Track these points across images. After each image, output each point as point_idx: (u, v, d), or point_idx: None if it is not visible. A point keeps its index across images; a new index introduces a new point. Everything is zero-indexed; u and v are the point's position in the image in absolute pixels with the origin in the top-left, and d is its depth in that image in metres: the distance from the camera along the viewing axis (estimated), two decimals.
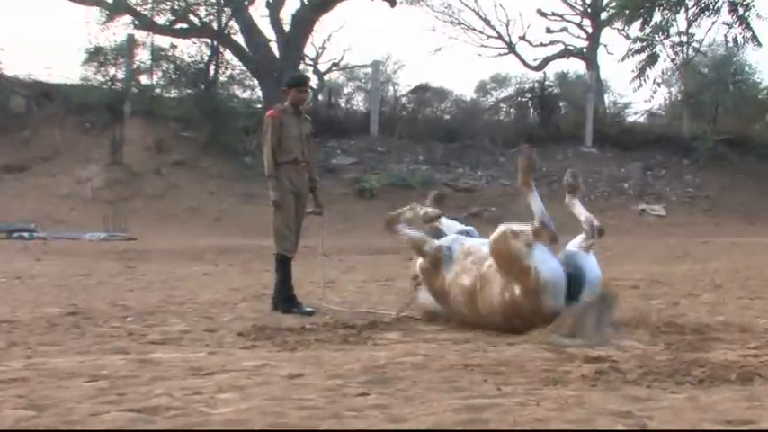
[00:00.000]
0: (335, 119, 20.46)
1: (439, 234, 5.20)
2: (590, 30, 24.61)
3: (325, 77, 22.53)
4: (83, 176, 17.50)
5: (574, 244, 4.65)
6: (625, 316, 4.76)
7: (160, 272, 8.70)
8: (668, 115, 24.71)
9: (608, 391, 3.05)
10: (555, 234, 4.41)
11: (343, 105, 22.36)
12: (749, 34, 19.98)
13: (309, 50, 21.67)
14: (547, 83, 22.63)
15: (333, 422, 2.60)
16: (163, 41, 19.73)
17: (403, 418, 2.64)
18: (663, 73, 21.99)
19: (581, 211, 4.72)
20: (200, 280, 8.00)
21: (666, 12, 20.31)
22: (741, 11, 19.71)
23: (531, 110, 22.53)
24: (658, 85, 21.80)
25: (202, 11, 19.63)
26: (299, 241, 5.84)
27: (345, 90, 23.06)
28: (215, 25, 19.64)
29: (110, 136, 18.20)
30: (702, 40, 21.53)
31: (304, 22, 19.99)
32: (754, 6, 19.67)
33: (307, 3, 20.02)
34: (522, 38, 24.83)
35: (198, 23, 19.67)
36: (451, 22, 24.80)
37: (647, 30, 20.53)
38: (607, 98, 24.12)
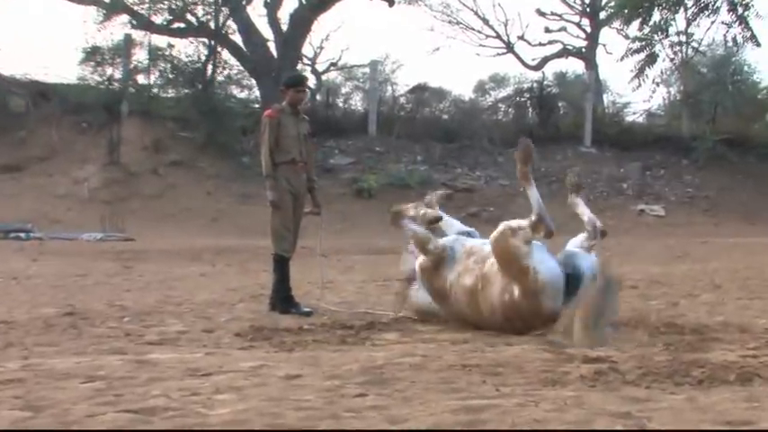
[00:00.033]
0: (333, 119, 20.45)
1: (440, 233, 5.19)
2: (589, 29, 24.62)
3: (324, 77, 22.53)
4: (80, 176, 17.48)
5: (574, 243, 4.64)
6: (624, 316, 4.76)
7: (157, 272, 8.68)
8: (667, 115, 24.73)
9: (607, 391, 3.05)
10: (551, 228, 4.41)
11: (341, 105, 22.37)
12: (748, 34, 19.99)
13: (307, 50, 21.69)
14: (545, 83, 22.65)
15: (331, 423, 2.59)
16: (160, 41, 19.75)
17: (401, 418, 2.64)
18: (662, 73, 22.01)
19: (584, 211, 4.71)
20: (197, 280, 7.99)
21: (665, 11, 20.31)
22: (740, 10, 19.72)
23: (530, 110, 22.54)
24: (657, 84, 21.82)
25: (200, 10, 19.63)
26: (296, 241, 5.83)
27: (343, 90, 23.09)
28: (212, 25, 19.63)
29: (107, 136, 18.18)
30: (701, 39, 21.57)
31: (302, 21, 19.98)
32: (753, 6, 19.70)
33: (305, 2, 20.00)
34: (521, 37, 24.86)
35: (195, 23, 19.65)
36: (450, 22, 24.82)
37: (646, 29, 20.53)
38: (606, 98, 24.15)
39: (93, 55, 18.82)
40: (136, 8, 19.39)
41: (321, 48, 21.90)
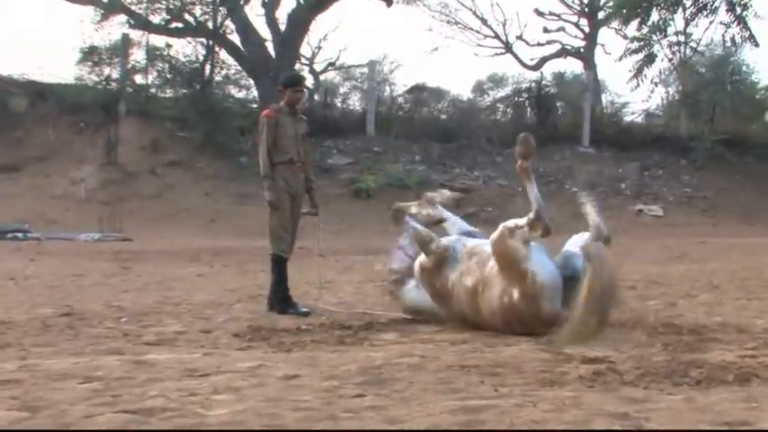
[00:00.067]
0: (331, 119, 20.44)
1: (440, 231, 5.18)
2: (587, 29, 24.62)
3: (322, 77, 22.53)
4: (77, 177, 17.45)
5: (575, 243, 4.61)
6: (622, 317, 4.76)
7: (155, 272, 8.67)
8: (666, 115, 24.74)
9: (605, 392, 3.05)
10: (548, 226, 4.39)
11: (339, 105, 22.36)
12: (747, 34, 19.96)
13: (305, 50, 21.68)
14: (544, 83, 22.65)
15: (329, 424, 2.59)
16: (158, 41, 19.73)
17: (399, 419, 2.63)
18: (660, 73, 22.04)
19: (590, 214, 4.58)
20: (195, 281, 7.98)
21: (664, 11, 20.30)
22: (739, 10, 19.70)
23: (528, 110, 22.54)
24: (656, 84, 21.85)
25: (198, 10, 19.62)
26: (294, 242, 5.82)
27: (341, 90, 23.08)
28: (210, 25, 19.62)
29: (104, 136, 18.15)
30: (700, 39, 21.60)
31: (300, 21, 19.97)
32: (751, 6, 19.69)
33: (303, 2, 19.99)
34: (519, 37, 24.87)
35: (193, 23, 19.64)
36: (448, 22, 24.82)
37: (645, 29, 20.53)
38: (604, 98, 24.18)
39: (90, 55, 18.80)
40: (133, 8, 19.37)
41: (319, 48, 21.93)
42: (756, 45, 20.18)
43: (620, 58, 20.91)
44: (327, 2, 20.40)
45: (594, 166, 20.25)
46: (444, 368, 3.47)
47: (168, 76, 19.42)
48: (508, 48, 24.90)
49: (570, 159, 20.04)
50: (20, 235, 14.05)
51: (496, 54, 25.07)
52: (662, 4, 20.07)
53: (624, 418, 2.65)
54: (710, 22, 20.41)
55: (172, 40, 19.48)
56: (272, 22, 20.00)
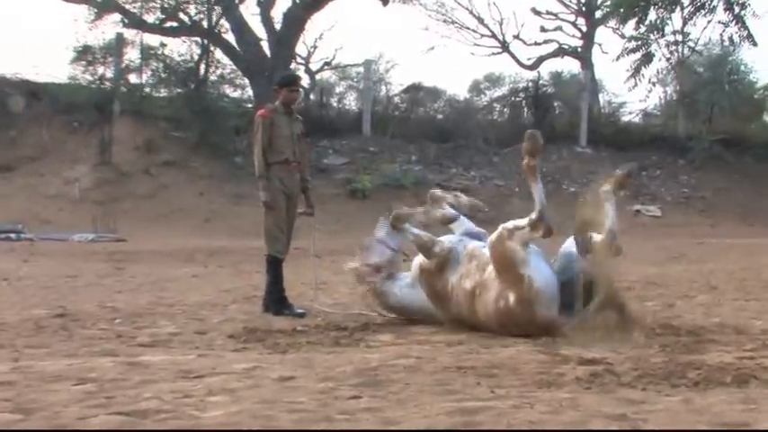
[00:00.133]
0: (327, 118, 20.41)
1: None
2: (584, 28, 24.63)
3: (317, 77, 22.48)
4: (71, 176, 17.38)
5: (574, 244, 4.57)
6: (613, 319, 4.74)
7: (149, 273, 8.63)
8: (663, 115, 24.75)
9: (602, 393, 3.04)
10: (550, 227, 4.35)
11: (335, 105, 22.32)
12: (745, 33, 19.93)
13: (301, 49, 21.63)
14: (541, 82, 22.63)
15: (324, 425, 2.58)
16: (152, 40, 19.65)
17: (395, 421, 2.63)
18: (658, 72, 22.01)
19: (610, 218, 4.42)
20: (189, 281, 7.95)
21: (662, 10, 20.29)
22: (737, 9, 19.68)
23: (526, 109, 22.52)
24: (653, 84, 21.79)
25: (192, 9, 19.55)
26: (290, 242, 5.80)
27: (337, 89, 23.03)
28: (205, 24, 19.56)
29: (98, 136, 18.08)
30: (698, 39, 21.55)
31: (295, 20, 19.93)
32: (749, 5, 19.68)
33: (298, 1, 19.96)
34: (516, 37, 24.86)
35: (188, 22, 19.57)
36: (444, 21, 24.80)
37: (642, 28, 20.50)
38: (602, 98, 24.19)
39: (84, 54, 18.70)
40: (128, 7, 19.29)
41: (315, 47, 21.89)
42: (754, 44, 20.20)
43: (618, 58, 20.93)
44: (323, 1, 20.37)
45: (592, 166, 20.27)
46: (441, 369, 3.46)
47: (163, 75, 19.35)
48: (505, 47, 24.91)
49: (567, 159, 20.06)
50: (13, 235, 13.98)
51: (493, 53, 25.10)
52: (659, 3, 20.07)
53: (621, 419, 2.64)
54: (708, 22, 20.39)
55: (166, 40, 19.42)
56: (267, 21, 19.95)
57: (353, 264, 5.38)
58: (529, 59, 24.60)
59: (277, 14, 20.09)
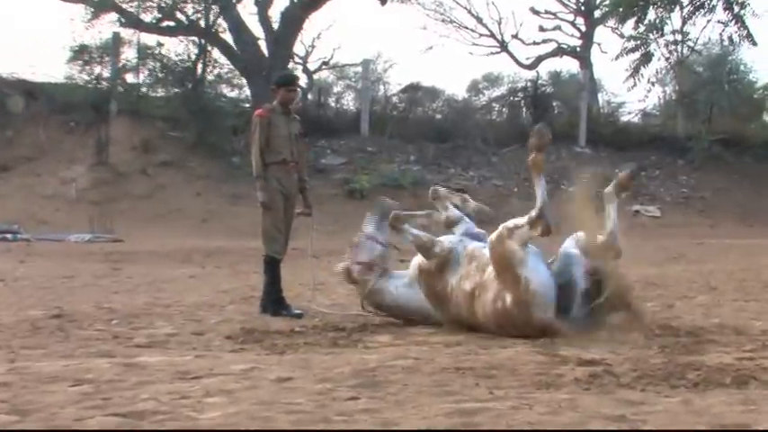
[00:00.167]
0: (325, 118, 20.38)
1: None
2: (583, 28, 24.60)
3: (315, 76, 22.46)
4: (67, 177, 17.34)
5: (576, 242, 4.55)
6: (619, 318, 4.73)
7: (146, 274, 8.61)
8: (663, 115, 24.72)
9: (601, 394, 3.03)
10: (550, 226, 4.34)
11: (332, 105, 22.29)
12: (744, 33, 19.92)
13: (299, 49, 21.60)
14: (540, 82, 22.61)
15: (322, 426, 2.57)
16: (149, 39, 19.60)
17: (393, 422, 2.62)
18: (657, 72, 21.99)
19: (612, 219, 4.43)
20: (187, 282, 7.93)
21: (661, 10, 20.29)
22: (736, 9, 19.69)
23: (524, 109, 22.49)
24: (653, 84, 21.79)
25: (189, 8, 19.50)
26: (288, 243, 5.79)
27: (335, 89, 23.01)
28: (202, 23, 19.52)
29: (95, 135, 18.04)
30: (697, 38, 21.49)
31: (293, 19, 19.90)
32: (749, 4, 19.69)
33: (296, 0, 19.94)
34: (515, 36, 24.81)
35: (185, 21, 19.53)
36: (443, 21, 24.75)
37: (642, 28, 20.49)
38: (601, 97, 24.16)
39: (80, 54, 18.66)
40: (124, 6, 19.25)
41: (313, 46, 21.85)
42: (754, 44, 20.21)
43: (617, 58, 20.92)
44: (321, 0, 20.35)
45: (591, 166, 20.27)
46: (439, 370, 3.45)
47: (160, 75, 19.30)
48: (504, 47, 24.88)
49: (566, 159, 20.05)
50: (9, 236, 13.94)
51: (492, 53, 25.06)
52: (659, 3, 20.07)
53: (621, 420, 2.64)
54: (708, 21, 20.38)
55: (163, 39, 19.37)
56: (264, 20, 19.92)
57: (344, 263, 5.35)
58: (527, 59, 24.60)
59: (275, 14, 20.08)
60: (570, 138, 21.11)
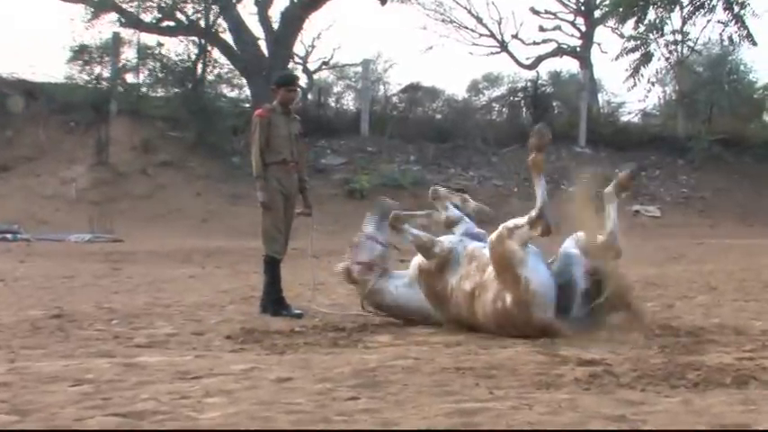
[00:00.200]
0: (325, 118, 20.38)
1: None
2: (583, 28, 24.58)
3: (315, 76, 22.45)
4: (67, 177, 17.33)
5: (576, 242, 4.55)
6: (619, 318, 4.73)
7: (146, 274, 8.61)
8: (663, 115, 24.70)
9: (601, 394, 3.03)
10: (549, 226, 4.34)
11: (332, 105, 22.28)
12: (744, 33, 19.90)
13: (299, 49, 21.60)
14: (540, 82, 22.59)
15: (322, 427, 2.57)
16: (149, 39, 19.60)
17: (394, 422, 2.62)
18: (657, 72, 21.95)
19: (612, 219, 4.42)
20: (187, 282, 7.93)
21: (661, 10, 20.27)
22: (736, 9, 19.68)
23: (524, 109, 22.48)
24: (653, 84, 21.76)
25: (190, 8, 19.49)
26: (288, 243, 5.79)
27: (335, 89, 23.00)
28: (202, 23, 19.52)
29: (95, 135, 18.03)
30: (697, 38, 21.46)
31: (293, 19, 19.90)
32: (749, 4, 19.67)
33: (296, 0, 19.93)
34: (515, 36, 24.79)
35: (185, 21, 19.53)
36: (443, 21, 24.73)
37: (642, 28, 20.47)
38: (601, 97, 24.14)
39: (80, 53, 18.65)
40: (124, 6, 19.24)
41: (313, 46, 21.84)
42: (754, 44, 20.19)
43: (617, 58, 20.89)
44: (321, 0, 20.35)
45: (591, 166, 20.26)
46: (439, 370, 3.45)
47: (160, 75, 19.30)
48: (503, 47, 24.87)
49: (566, 159, 20.04)
50: (9, 236, 13.93)
51: (492, 53, 25.04)
52: (659, 3, 20.05)
53: (621, 420, 2.64)
54: (708, 21, 20.35)
55: (163, 39, 19.36)
56: (264, 20, 19.92)
57: (344, 263, 5.34)
58: (527, 59, 24.59)
59: (275, 14, 20.07)
60: (570, 138, 21.10)
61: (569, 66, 27.79)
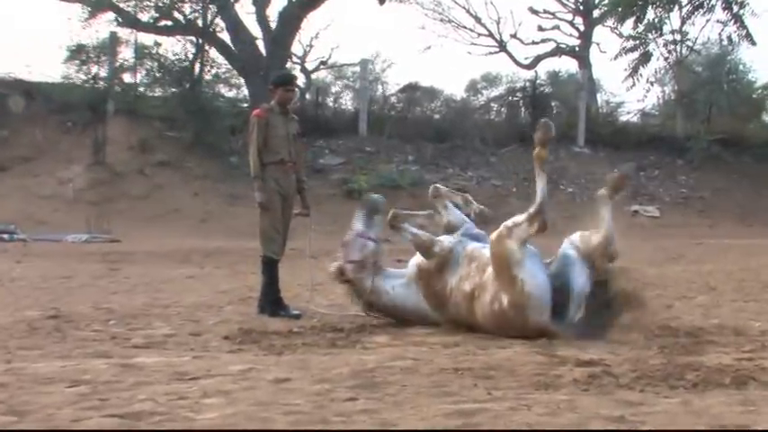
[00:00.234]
0: (323, 118, 20.37)
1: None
2: (582, 28, 24.59)
3: (313, 76, 22.44)
4: (65, 177, 17.30)
5: (574, 242, 4.54)
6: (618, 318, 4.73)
7: (144, 274, 8.60)
8: (662, 115, 24.72)
9: (600, 395, 3.03)
10: (546, 223, 4.33)
11: (331, 104, 22.26)
12: (743, 32, 19.95)
13: (297, 48, 21.58)
14: (538, 82, 22.58)
15: (320, 427, 2.57)
16: (146, 39, 19.56)
17: (392, 423, 2.61)
18: (656, 72, 22.00)
19: (606, 221, 4.45)
20: (184, 282, 7.92)
21: (660, 9, 20.30)
22: (735, 8, 19.72)
23: (523, 109, 22.47)
24: (651, 84, 21.79)
25: (187, 8, 19.47)
26: (286, 243, 5.78)
27: (333, 89, 22.99)
28: (200, 23, 19.49)
29: (92, 135, 17.99)
30: (696, 38, 21.49)
31: (291, 19, 19.88)
32: (748, 4, 19.72)
33: (294, 0, 19.92)
34: (514, 36, 24.82)
35: (182, 21, 19.51)
36: (441, 20, 24.75)
37: (641, 28, 20.50)
38: (600, 97, 24.14)
39: (77, 53, 18.60)
40: (122, 5, 19.20)
41: (311, 46, 21.83)
42: (753, 44, 20.24)
43: (616, 57, 20.92)
44: None
45: (589, 166, 20.28)
46: (437, 371, 3.44)
47: (157, 74, 19.26)
48: (502, 46, 24.88)
49: (565, 159, 20.06)
50: (6, 236, 13.90)
51: (490, 53, 25.06)
52: (658, 3, 20.07)
53: (620, 421, 2.64)
54: (707, 21, 20.39)
55: (161, 39, 19.33)
56: (262, 20, 19.90)
57: (336, 263, 5.33)
58: (526, 59, 24.61)
59: (272, 13, 20.05)
60: (569, 138, 21.11)
61: (568, 65, 27.84)
